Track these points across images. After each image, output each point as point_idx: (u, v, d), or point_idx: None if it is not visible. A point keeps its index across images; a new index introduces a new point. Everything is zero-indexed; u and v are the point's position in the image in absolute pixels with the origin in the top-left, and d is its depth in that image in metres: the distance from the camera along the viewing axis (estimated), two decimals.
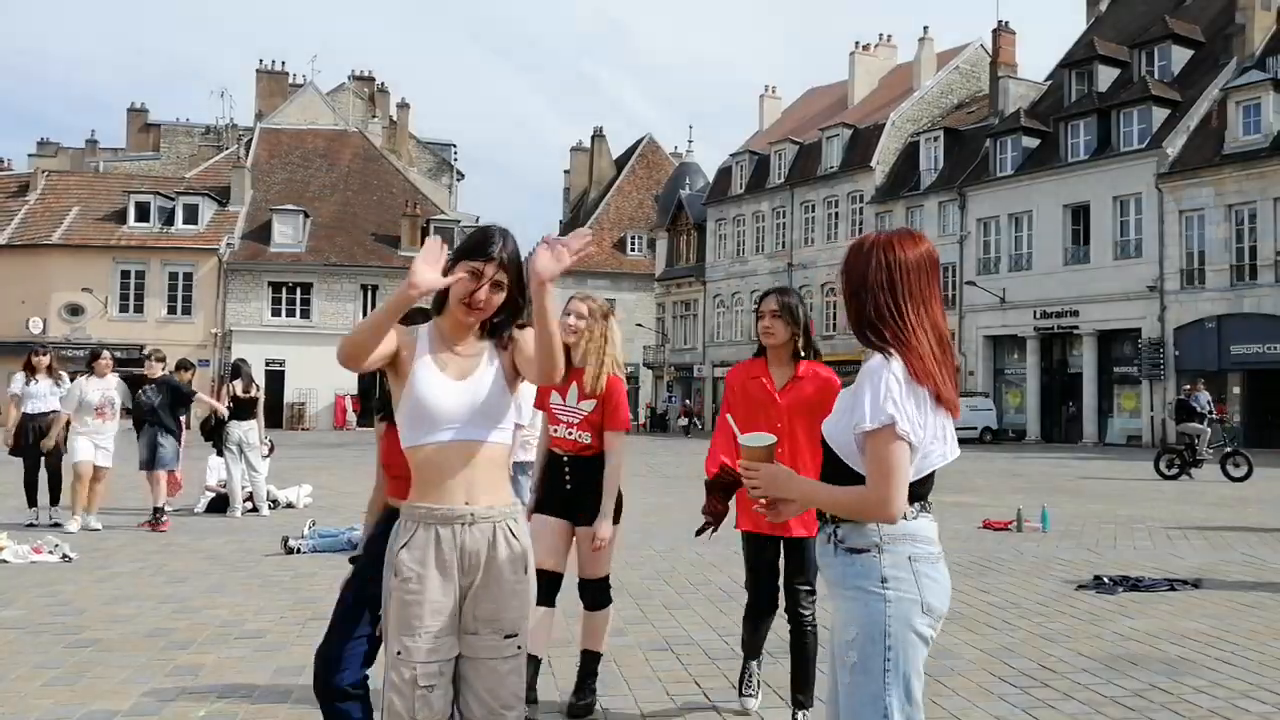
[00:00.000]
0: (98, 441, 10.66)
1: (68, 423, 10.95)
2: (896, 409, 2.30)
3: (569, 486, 4.49)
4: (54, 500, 11.20)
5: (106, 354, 11.09)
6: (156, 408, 10.90)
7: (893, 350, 2.39)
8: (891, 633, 2.34)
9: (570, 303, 4.47)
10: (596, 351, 4.48)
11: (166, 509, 10.86)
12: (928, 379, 2.37)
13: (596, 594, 4.58)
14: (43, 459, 11.12)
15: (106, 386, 10.79)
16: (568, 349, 4.17)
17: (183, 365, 12.01)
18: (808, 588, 4.33)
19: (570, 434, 4.47)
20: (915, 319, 2.41)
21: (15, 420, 11.13)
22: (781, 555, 4.38)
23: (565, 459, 4.49)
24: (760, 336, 4.32)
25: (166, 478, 11.03)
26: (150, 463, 10.81)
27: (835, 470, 2.43)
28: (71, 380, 11.19)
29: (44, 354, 11.40)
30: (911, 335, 2.40)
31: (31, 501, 11.21)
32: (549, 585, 4.36)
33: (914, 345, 2.39)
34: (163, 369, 11.34)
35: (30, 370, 11.18)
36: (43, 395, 11.13)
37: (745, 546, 4.46)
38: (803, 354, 4.30)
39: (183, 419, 11.50)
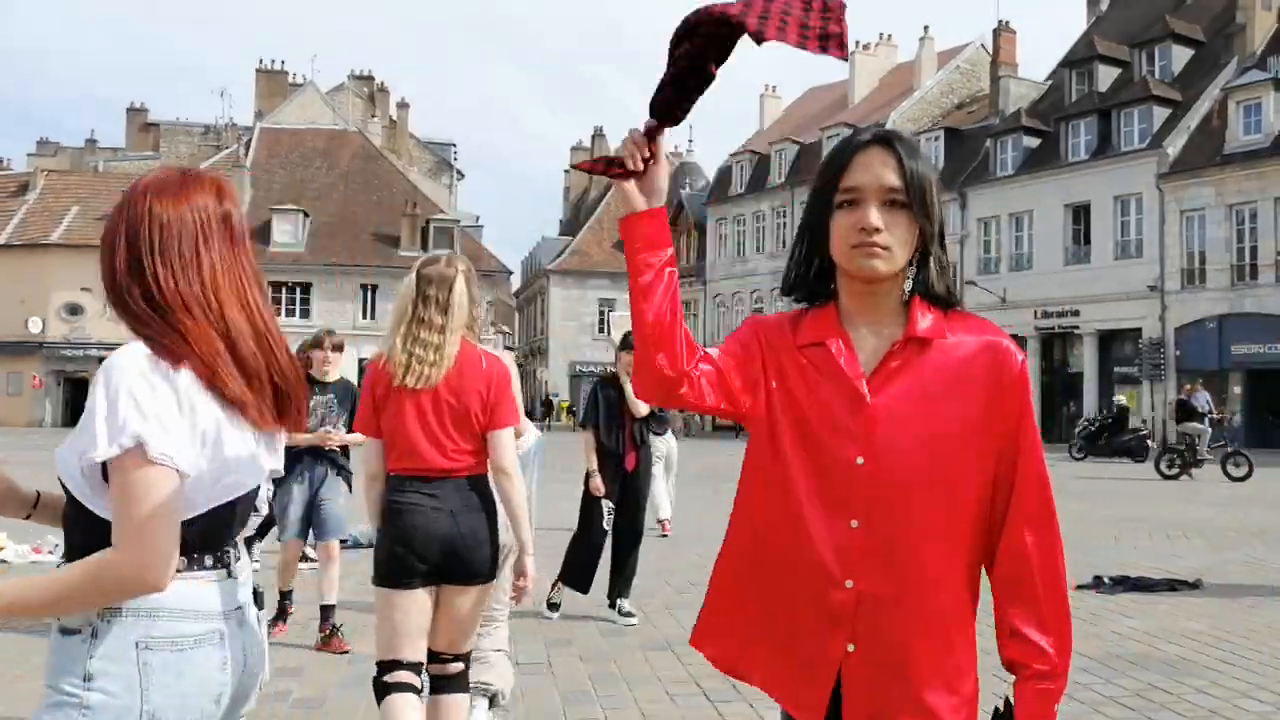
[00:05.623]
0: None
1: None
2: (146, 421, 1.52)
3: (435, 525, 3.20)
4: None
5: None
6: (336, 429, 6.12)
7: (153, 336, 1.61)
8: None
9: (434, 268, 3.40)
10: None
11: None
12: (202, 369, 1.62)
13: (455, 673, 3.33)
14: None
15: None
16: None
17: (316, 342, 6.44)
18: None
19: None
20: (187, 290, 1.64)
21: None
22: None
23: (429, 484, 3.22)
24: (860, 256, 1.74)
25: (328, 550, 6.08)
26: (321, 527, 6.06)
27: (77, 523, 1.62)
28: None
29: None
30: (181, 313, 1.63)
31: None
32: (411, 674, 3.27)
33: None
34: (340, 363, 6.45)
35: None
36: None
37: None
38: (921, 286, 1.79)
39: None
